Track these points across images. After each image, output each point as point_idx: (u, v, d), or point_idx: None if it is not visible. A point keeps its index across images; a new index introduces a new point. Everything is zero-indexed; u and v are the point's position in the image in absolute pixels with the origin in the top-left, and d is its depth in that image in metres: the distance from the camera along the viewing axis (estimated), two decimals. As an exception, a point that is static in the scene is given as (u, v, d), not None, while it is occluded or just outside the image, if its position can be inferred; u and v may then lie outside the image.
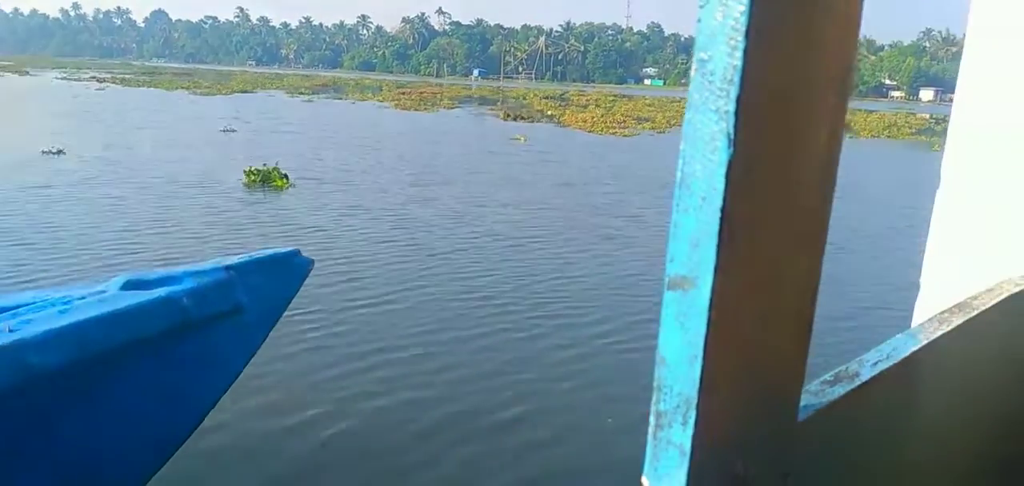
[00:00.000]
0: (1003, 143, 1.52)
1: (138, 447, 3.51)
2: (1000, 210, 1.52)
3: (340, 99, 57.24)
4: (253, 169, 16.18)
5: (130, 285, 3.56)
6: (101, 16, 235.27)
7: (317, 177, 17.33)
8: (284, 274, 4.18)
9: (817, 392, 0.79)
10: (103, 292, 3.51)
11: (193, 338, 3.59)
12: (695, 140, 0.53)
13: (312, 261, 4.43)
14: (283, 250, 4.29)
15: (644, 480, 0.61)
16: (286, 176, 16.20)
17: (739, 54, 0.51)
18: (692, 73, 0.53)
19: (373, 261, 9.75)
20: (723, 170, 0.52)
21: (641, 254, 11.21)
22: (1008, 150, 1.51)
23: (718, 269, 0.54)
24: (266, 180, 15.97)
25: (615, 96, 75.06)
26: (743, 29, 0.50)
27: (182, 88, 59.55)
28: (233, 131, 27.52)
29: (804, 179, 0.62)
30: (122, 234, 10.78)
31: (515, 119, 41.23)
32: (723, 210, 0.53)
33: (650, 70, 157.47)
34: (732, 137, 0.52)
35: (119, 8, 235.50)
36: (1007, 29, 1.50)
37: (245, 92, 58.98)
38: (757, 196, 0.56)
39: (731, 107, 0.51)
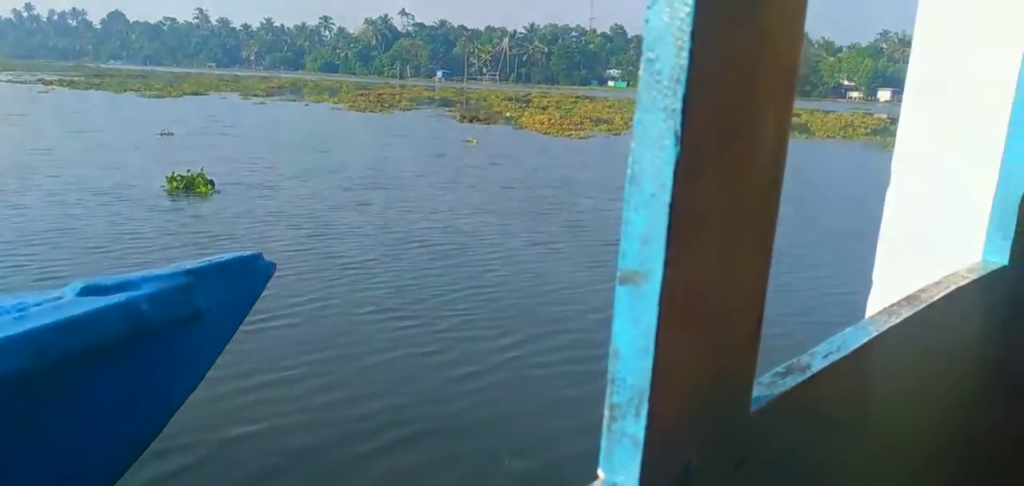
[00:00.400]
0: (949, 141, 1.57)
1: (100, 452, 3.49)
2: (947, 205, 1.56)
3: (295, 101, 56.12)
4: (176, 175, 15.42)
5: (87, 291, 3.50)
6: (55, 17, 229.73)
7: (247, 182, 16.60)
8: (246, 278, 4.19)
9: (769, 383, 0.79)
10: (59, 298, 3.45)
11: (153, 343, 3.58)
12: (644, 138, 0.55)
13: (274, 265, 4.45)
14: (245, 254, 4.29)
15: (599, 472, 0.61)
16: (212, 182, 15.47)
17: (685, 54, 0.52)
18: (640, 73, 0.55)
19: (278, 275, 9.11)
20: (671, 168, 0.54)
21: (569, 263, 10.74)
22: (954, 148, 1.56)
23: (668, 264, 0.55)
24: (189, 186, 15.22)
25: (577, 97, 74.93)
26: (689, 29, 0.52)
27: (132, 90, 57.92)
28: (171, 134, 26.55)
29: (752, 175, 0.64)
30: (9, 247, 10.01)
31: (471, 121, 40.73)
32: (672, 206, 0.54)
33: (613, 72, 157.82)
34: (679, 135, 0.53)
35: (74, 9, 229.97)
36: (952, 31, 1.55)
37: (197, 94, 57.58)
38: (705, 192, 0.58)
39: (678, 106, 0.53)
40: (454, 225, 12.86)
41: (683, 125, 0.52)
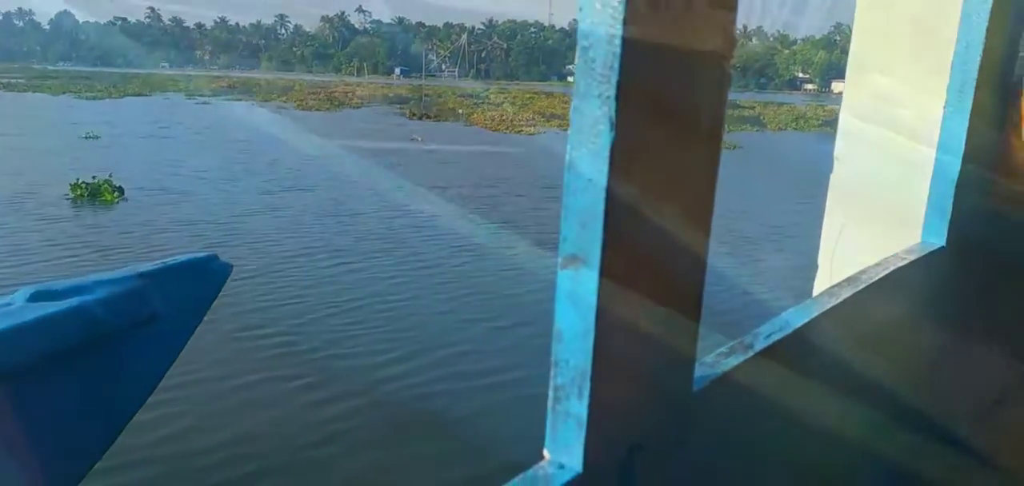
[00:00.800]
0: (888, 127, 1.61)
1: (54, 463, 3.34)
2: (886, 190, 1.61)
3: (242, 101, 54.72)
4: (79, 183, 14.55)
5: (38, 296, 3.38)
6: (0, 18, 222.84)
7: (160, 188, 15.78)
8: (201, 280, 4.03)
9: (713, 363, 0.80)
10: (8, 304, 3.34)
11: (107, 349, 3.47)
12: (581, 125, 0.56)
13: (231, 266, 4.26)
14: (200, 255, 4.14)
15: (545, 452, 0.62)
16: (120, 189, 14.64)
17: (618, 42, 0.54)
18: (576, 61, 0.56)
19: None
20: (606, 153, 0.55)
21: (487, 269, 10.19)
22: (893, 133, 1.60)
23: (606, 247, 0.57)
24: (94, 194, 14.37)
25: (534, 93, 74.43)
26: (621, 18, 0.54)
27: (71, 92, 55.96)
28: (96, 138, 25.48)
29: (688, 160, 0.65)
30: None
31: (421, 118, 40.09)
32: (608, 191, 0.55)
33: (573, 67, 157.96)
34: (614, 121, 0.55)
35: (20, 9, 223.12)
36: (889, 21, 1.60)
37: (140, 95, 55.89)
38: (641, 177, 0.59)
39: (612, 93, 0.55)
40: (371, 231, 12.25)
41: (617, 111, 0.54)
